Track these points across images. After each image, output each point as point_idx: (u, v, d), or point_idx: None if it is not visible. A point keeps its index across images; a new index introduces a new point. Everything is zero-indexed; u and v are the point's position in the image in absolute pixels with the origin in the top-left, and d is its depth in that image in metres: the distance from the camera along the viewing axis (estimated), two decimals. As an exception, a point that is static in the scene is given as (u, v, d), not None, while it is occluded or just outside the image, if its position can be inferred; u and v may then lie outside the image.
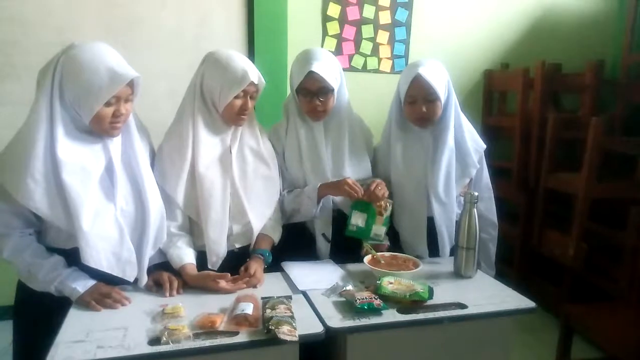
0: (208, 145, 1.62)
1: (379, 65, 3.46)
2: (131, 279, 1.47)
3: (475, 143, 1.89)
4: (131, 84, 1.41)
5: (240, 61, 1.61)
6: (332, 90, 1.77)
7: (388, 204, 1.78)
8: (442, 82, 1.77)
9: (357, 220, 1.74)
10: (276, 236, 1.77)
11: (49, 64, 1.37)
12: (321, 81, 1.73)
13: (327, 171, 1.83)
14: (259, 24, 3.08)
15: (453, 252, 1.75)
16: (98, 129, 1.40)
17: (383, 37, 3.43)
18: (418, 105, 1.77)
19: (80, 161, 1.37)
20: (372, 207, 1.75)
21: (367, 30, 3.39)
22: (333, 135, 1.86)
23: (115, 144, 1.46)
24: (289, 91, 1.89)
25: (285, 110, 1.89)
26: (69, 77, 1.35)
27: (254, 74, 1.60)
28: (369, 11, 3.36)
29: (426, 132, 1.84)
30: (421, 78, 1.72)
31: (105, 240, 1.40)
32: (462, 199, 1.79)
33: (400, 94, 1.82)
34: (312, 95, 1.75)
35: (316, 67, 1.72)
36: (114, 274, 1.42)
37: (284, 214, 1.84)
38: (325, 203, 1.81)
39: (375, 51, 3.43)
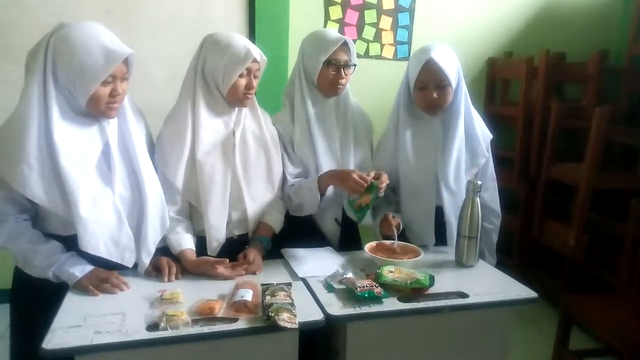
0: (210, 130, 1.60)
1: (381, 52, 3.41)
2: (130, 265, 1.45)
3: (483, 132, 1.86)
4: (126, 62, 1.38)
5: (241, 40, 1.60)
6: (355, 66, 1.81)
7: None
8: (453, 67, 1.73)
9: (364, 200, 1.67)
10: (277, 226, 1.75)
11: (39, 45, 1.33)
12: (349, 54, 1.77)
13: (337, 150, 1.83)
14: (260, 8, 3.03)
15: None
16: (95, 110, 1.37)
17: (386, 22, 3.37)
18: (429, 91, 1.72)
19: (77, 145, 1.34)
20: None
21: (370, 15, 3.33)
22: (341, 116, 1.86)
23: (112, 126, 1.43)
24: (289, 77, 1.86)
25: (287, 98, 1.86)
26: (61, 57, 1.30)
27: (256, 51, 1.59)
28: (372, -4, 3.31)
29: (435, 119, 1.79)
30: (433, 62, 1.68)
31: (103, 226, 1.38)
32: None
33: (410, 79, 1.77)
34: (340, 67, 1.76)
35: (348, 39, 1.76)
36: (113, 259, 1.41)
37: (290, 207, 1.80)
38: (336, 187, 1.76)
39: (377, 37, 3.38)
